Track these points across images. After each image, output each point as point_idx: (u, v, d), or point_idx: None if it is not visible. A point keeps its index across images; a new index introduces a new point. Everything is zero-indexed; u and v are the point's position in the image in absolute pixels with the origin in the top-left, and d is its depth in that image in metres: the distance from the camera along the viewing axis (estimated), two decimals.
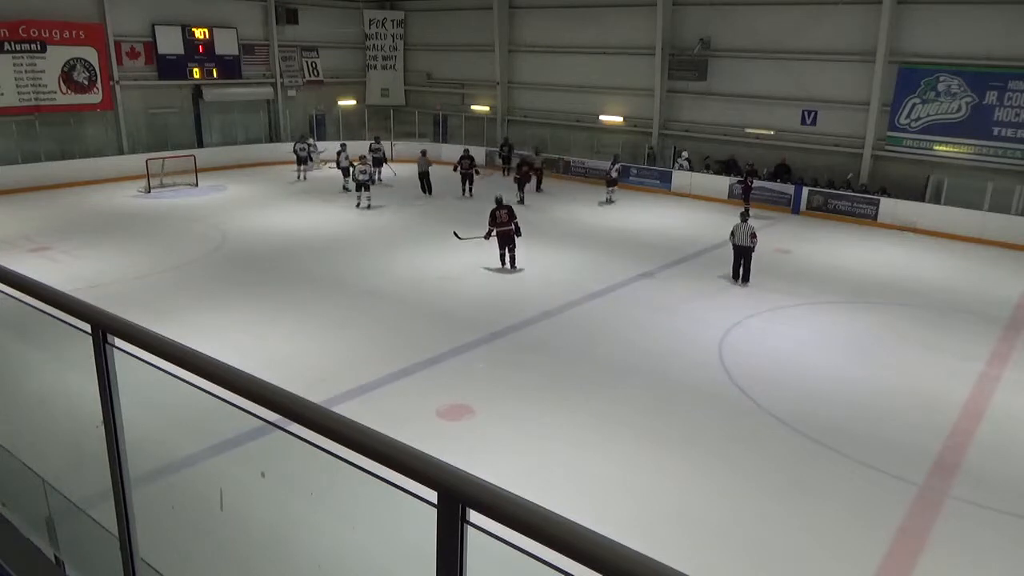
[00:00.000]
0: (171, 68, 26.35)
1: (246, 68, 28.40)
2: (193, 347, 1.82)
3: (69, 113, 24.00)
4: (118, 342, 2.07)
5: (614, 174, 22.74)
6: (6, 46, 22.34)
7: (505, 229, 15.19)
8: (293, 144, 25.59)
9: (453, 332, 11.87)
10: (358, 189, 20.84)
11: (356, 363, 10.68)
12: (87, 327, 2.09)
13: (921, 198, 20.42)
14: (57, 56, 23.39)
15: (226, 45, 27.61)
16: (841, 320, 13.10)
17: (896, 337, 12.33)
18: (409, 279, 14.71)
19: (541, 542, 1.20)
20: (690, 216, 21.18)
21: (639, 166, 25.41)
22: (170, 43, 26.21)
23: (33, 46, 22.89)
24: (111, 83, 24.79)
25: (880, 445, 8.75)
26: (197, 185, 23.43)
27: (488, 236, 15.29)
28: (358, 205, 20.74)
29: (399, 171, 25.12)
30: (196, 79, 26.95)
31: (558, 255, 16.74)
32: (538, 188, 23.86)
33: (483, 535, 1.34)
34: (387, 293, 13.86)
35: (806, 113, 22.79)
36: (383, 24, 31.93)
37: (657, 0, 24.28)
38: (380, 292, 13.91)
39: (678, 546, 6.74)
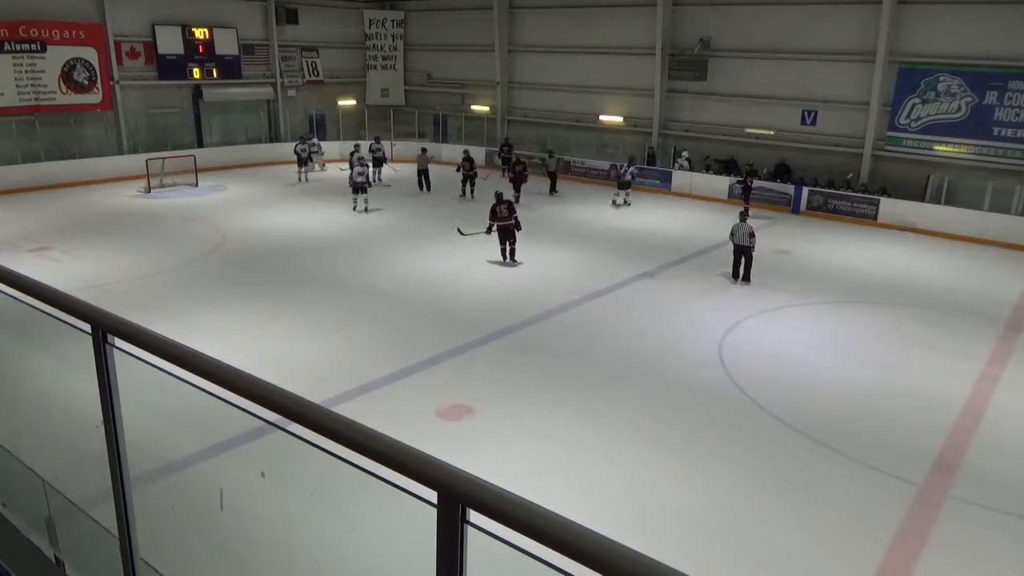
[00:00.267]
0: (171, 68, 26.36)
1: (246, 68, 28.40)
2: (193, 347, 1.82)
3: (69, 113, 24.00)
4: (118, 342, 2.07)
5: (628, 177, 22.13)
6: (6, 46, 22.34)
7: (505, 224, 15.58)
8: (294, 145, 25.45)
9: (453, 332, 11.87)
10: (355, 192, 20.34)
11: (356, 363, 10.68)
12: (87, 327, 2.09)
13: (921, 198, 20.42)
14: (57, 56, 23.39)
15: (226, 45, 27.62)
16: (841, 320, 13.11)
17: (896, 337, 12.34)
18: (409, 279, 14.71)
19: (541, 542, 1.20)
20: (690, 216, 21.18)
21: (639, 166, 25.37)
22: (170, 43, 26.22)
23: (33, 46, 22.89)
24: (111, 83, 24.80)
25: (880, 445, 8.75)
26: (197, 185, 23.43)
27: (489, 231, 15.73)
28: (355, 209, 20.36)
29: (400, 169, 25.13)
30: (196, 79, 26.96)
31: (558, 255, 16.74)
32: (552, 191, 23.59)
33: (483, 535, 1.34)
34: (387, 293, 13.86)
35: (806, 113, 22.79)
36: (383, 24, 31.93)
37: (657, 0, 24.28)
38: (380, 292, 13.91)
39: (678, 546, 6.74)
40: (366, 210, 20.33)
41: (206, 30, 26.95)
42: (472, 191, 22.47)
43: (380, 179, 23.79)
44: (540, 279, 14.91)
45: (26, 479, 3.08)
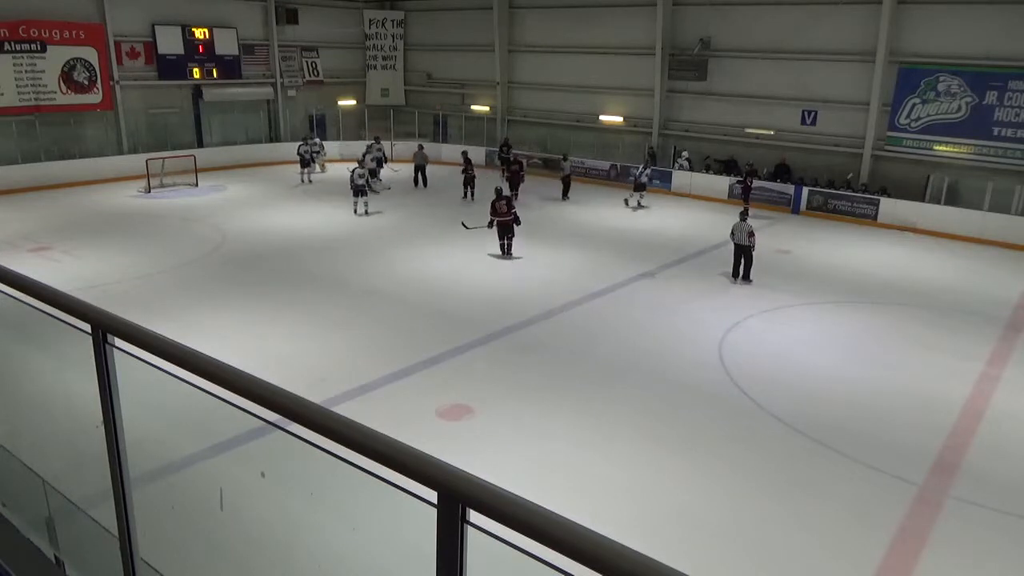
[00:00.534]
0: (171, 68, 26.35)
1: (246, 68, 28.40)
2: (193, 347, 1.82)
3: (69, 113, 24.00)
4: (118, 342, 2.07)
5: (644, 179, 21.86)
6: (6, 46, 22.34)
7: (504, 219, 16.22)
8: (297, 146, 25.28)
9: (453, 332, 11.87)
10: (356, 195, 19.96)
11: (356, 363, 10.68)
12: (87, 327, 2.09)
13: (921, 198, 20.42)
14: (57, 56, 23.39)
15: (226, 45, 27.62)
16: (841, 320, 13.11)
17: (896, 337, 12.34)
18: (409, 279, 14.71)
19: (541, 542, 1.20)
20: (690, 216, 21.17)
21: (639, 166, 25.35)
22: (170, 43, 26.21)
23: (33, 46, 22.89)
24: (111, 83, 24.79)
25: (880, 445, 8.75)
26: (197, 185, 23.42)
27: (491, 225, 16.41)
28: (356, 212, 20.06)
29: (399, 169, 25.14)
30: (196, 79, 26.95)
31: (558, 255, 16.74)
32: (565, 195, 22.92)
33: (483, 535, 1.34)
34: (387, 293, 13.86)
35: (806, 113, 22.79)
36: (383, 24, 31.93)
37: (657, 0, 24.28)
38: (380, 292, 13.91)
39: (678, 546, 6.74)
40: (366, 213, 20.09)
41: (206, 30, 26.95)
42: (472, 193, 22.28)
43: (379, 179, 23.52)
44: (540, 279, 14.91)
45: (26, 479, 3.08)
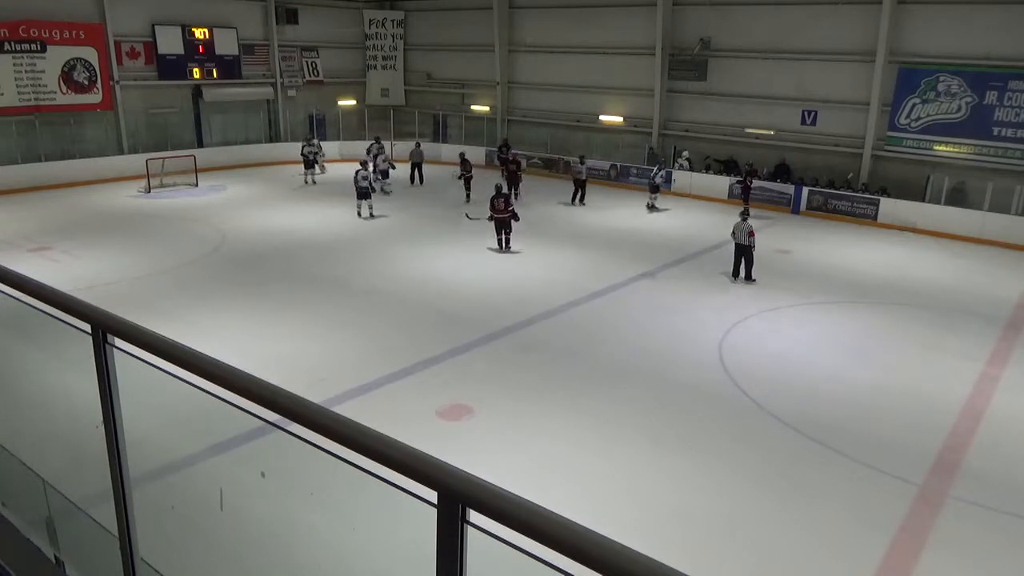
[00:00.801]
0: (171, 68, 26.35)
1: (246, 68, 28.40)
2: (193, 347, 1.82)
3: (69, 113, 24.00)
4: (118, 342, 2.07)
5: (658, 180, 21.65)
6: (6, 46, 22.35)
7: (502, 216, 16.62)
8: (301, 147, 25.08)
9: (453, 332, 11.87)
10: (360, 197, 19.58)
11: (356, 363, 10.69)
12: (87, 327, 2.09)
13: (921, 198, 20.42)
14: (57, 56, 23.39)
15: (226, 45, 27.62)
16: (841, 320, 13.10)
17: (896, 337, 12.34)
18: (409, 279, 14.72)
19: (541, 542, 1.20)
20: (690, 216, 21.17)
21: (639, 166, 25.40)
22: (170, 43, 26.21)
23: (33, 46, 22.90)
24: (111, 83, 24.79)
25: (880, 445, 8.75)
26: (197, 185, 23.42)
27: (490, 219, 16.83)
28: (359, 215, 19.74)
29: (399, 168, 25.18)
30: (196, 79, 26.95)
31: (559, 255, 16.75)
32: (581, 200, 22.16)
33: (483, 535, 1.34)
34: (387, 293, 13.86)
35: (806, 113, 22.79)
36: (383, 24, 31.93)
37: (657, 0, 24.28)
38: (380, 292, 13.91)
39: (678, 546, 6.74)
40: (371, 216, 19.70)
41: (206, 30, 26.95)
42: (469, 195, 21.86)
43: (381, 178, 23.31)
44: (541, 279, 14.91)
45: (26, 479, 3.08)
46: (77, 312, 2.11)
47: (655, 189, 21.67)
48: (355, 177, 19.62)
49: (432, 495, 1.35)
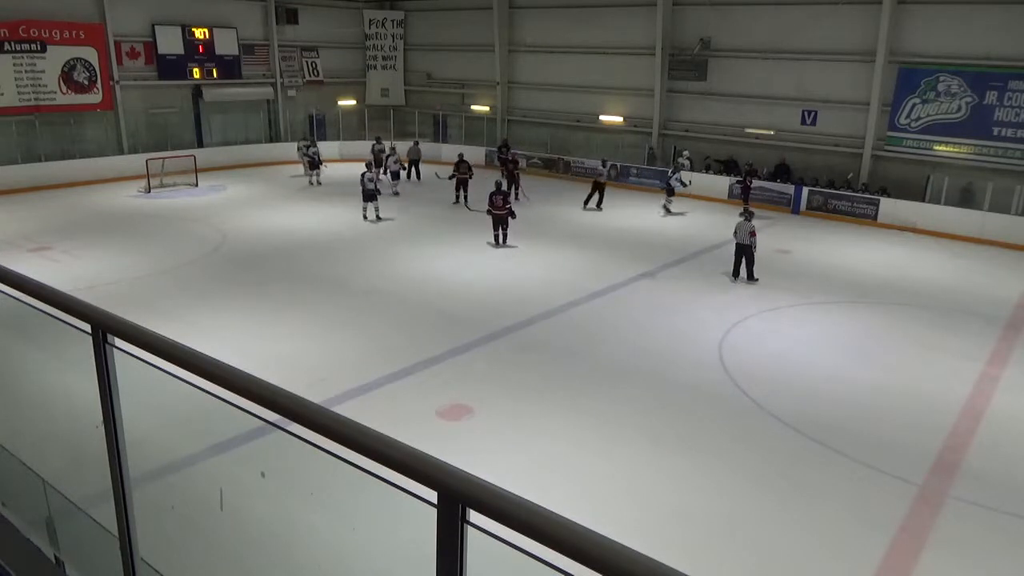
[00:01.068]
0: (171, 68, 26.35)
1: (246, 68, 28.40)
2: (193, 347, 1.82)
3: (69, 113, 24.00)
4: (118, 342, 2.07)
5: (674, 183, 21.22)
6: (6, 46, 22.34)
7: (499, 212, 17.09)
8: (306, 148, 24.71)
9: (453, 332, 11.87)
10: (366, 200, 19.19)
11: (356, 363, 10.69)
12: (87, 327, 2.09)
13: (921, 198, 20.42)
14: (57, 56, 23.39)
15: (226, 45, 27.62)
16: (841, 320, 13.10)
17: (896, 337, 12.33)
18: (409, 279, 14.72)
19: (541, 542, 1.20)
20: (690, 216, 21.15)
21: (639, 166, 25.41)
22: (170, 43, 26.21)
23: (33, 46, 22.89)
24: (111, 83, 24.79)
25: (880, 445, 8.75)
26: (197, 185, 23.42)
27: (488, 213, 17.35)
28: (365, 218, 19.35)
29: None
30: (196, 79, 26.95)
31: (559, 255, 16.75)
32: (599, 204, 21.47)
33: (483, 535, 1.34)
34: (387, 293, 13.86)
35: (806, 113, 22.79)
36: (383, 24, 31.93)
37: (657, 0, 24.28)
38: (380, 292, 13.91)
39: (678, 546, 6.74)
40: (378, 218, 19.32)
41: (206, 30, 26.95)
42: (465, 196, 21.30)
43: (391, 180, 22.90)
44: (541, 279, 14.91)
45: (26, 479, 3.08)
46: (77, 312, 2.11)
47: (671, 193, 21.23)
48: (361, 179, 19.25)
49: (432, 495, 1.35)
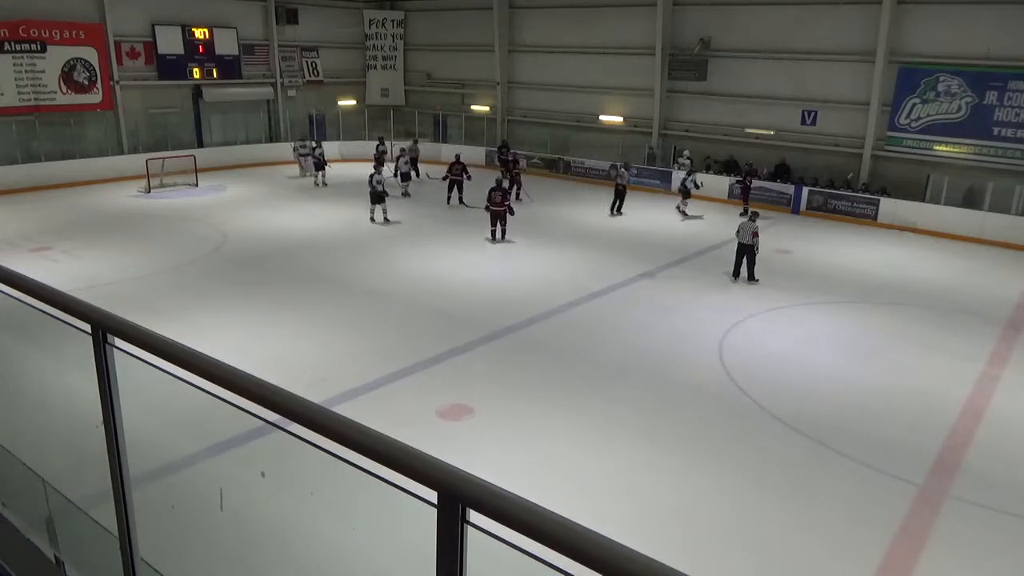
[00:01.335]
0: (171, 68, 26.35)
1: (246, 68, 28.40)
2: (193, 347, 1.82)
3: (69, 113, 23.99)
4: (118, 342, 2.07)
5: (689, 185, 20.84)
6: (6, 46, 22.34)
7: (497, 209, 17.43)
8: (312, 149, 24.56)
9: (453, 332, 11.87)
10: (374, 202, 18.84)
11: (356, 363, 10.68)
12: (87, 327, 2.09)
13: (921, 198, 20.42)
14: (57, 56, 23.39)
15: (226, 45, 27.62)
16: (841, 320, 13.10)
17: (896, 337, 12.33)
18: (409, 279, 14.72)
19: (541, 542, 1.20)
20: (692, 216, 21.13)
21: (639, 166, 25.41)
22: (170, 43, 26.21)
23: (33, 46, 22.89)
24: (111, 83, 24.79)
25: (880, 445, 8.75)
26: (197, 185, 23.43)
27: (487, 209, 17.71)
28: (373, 220, 19.07)
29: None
30: (196, 79, 26.95)
31: (559, 255, 16.75)
32: (619, 209, 20.97)
33: (483, 535, 1.34)
34: (387, 293, 13.86)
35: (806, 113, 22.79)
36: (383, 24, 31.93)
37: (657, 0, 24.28)
38: (380, 292, 13.91)
39: (678, 546, 6.74)
40: (386, 220, 19.04)
41: (206, 30, 26.95)
42: (460, 197, 21.23)
43: (401, 181, 22.69)
44: (540, 279, 14.92)
45: (26, 479, 3.08)
46: (77, 312, 2.11)
47: (686, 195, 20.90)
48: (370, 180, 18.91)
49: (432, 495, 1.35)
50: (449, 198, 21.41)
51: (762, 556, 6.80)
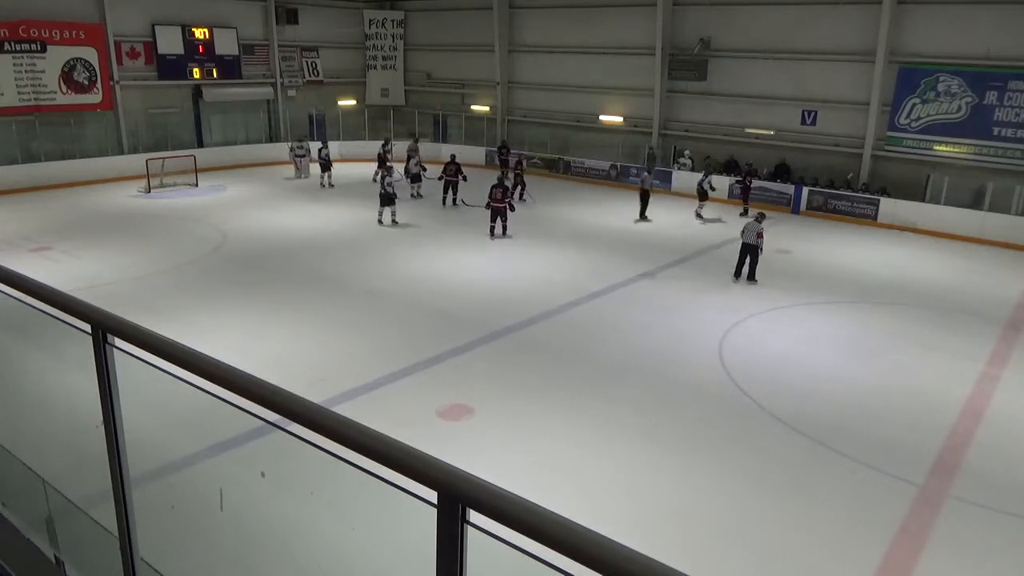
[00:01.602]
0: (171, 68, 26.35)
1: (246, 68, 28.40)
2: (193, 347, 1.82)
3: (69, 113, 23.99)
4: (118, 342, 2.07)
5: (705, 187, 20.54)
6: (6, 46, 22.34)
7: (498, 205, 17.76)
8: (319, 150, 24.37)
9: (453, 332, 11.87)
10: (383, 204, 18.62)
11: (356, 363, 10.68)
12: (87, 327, 2.09)
13: (921, 198, 20.42)
14: (57, 56, 23.39)
15: (226, 45, 27.62)
16: (841, 320, 13.10)
17: (896, 337, 12.33)
18: (409, 279, 14.72)
19: (541, 542, 1.20)
20: (690, 216, 21.14)
21: (639, 166, 25.40)
22: (170, 43, 26.21)
23: (33, 46, 22.88)
24: (111, 83, 24.79)
25: (880, 445, 8.75)
26: (197, 185, 23.42)
27: (487, 206, 17.95)
28: (380, 221, 18.89)
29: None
30: (196, 79, 26.95)
31: (559, 255, 16.75)
32: (642, 214, 20.57)
33: (483, 535, 1.34)
34: (387, 293, 13.86)
35: (806, 113, 22.79)
36: (383, 24, 31.94)
37: (657, 0, 24.28)
38: (380, 292, 13.91)
39: (678, 546, 6.74)
40: (394, 222, 18.86)
41: (206, 30, 26.94)
42: (455, 199, 21.19)
43: (411, 183, 22.54)
44: (541, 279, 14.92)
45: (26, 479, 3.08)
46: (77, 312, 2.11)
47: (703, 197, 20.60)
48: (381, 182, 18.76)
49: (432, 495, 1.35)
50: (444, 199, 21.42)
51: (762, 556, 6.80)
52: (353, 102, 31.44)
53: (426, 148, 26.99)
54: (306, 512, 2.25)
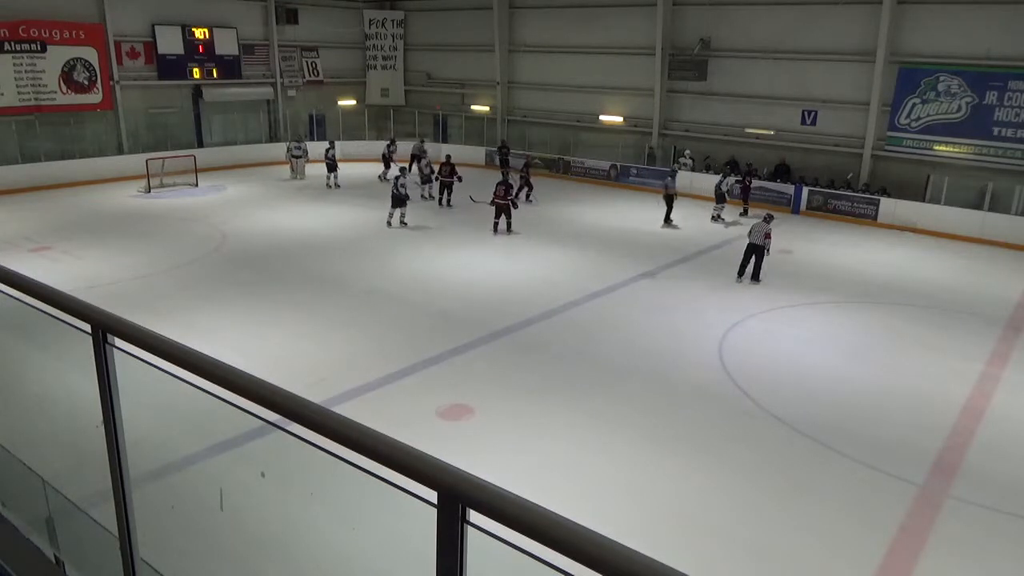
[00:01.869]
0: (171, 68, 26.35)
1: (246, 68, 28.40)
2: (193, 347, 1.82)
3: (69, 113, 23.99)
4: (118, 342, 2.07)
5: (724, 188, 20.20)
6: (6, 46, 22.34)
7: (501, 202, 18.07)
8: (325, 151, 24.28)
9: (453, 332, 11.87)
10: (394, 205, 18.45)
11: (356, 363, 10.68)
12: (87, 327, 2.09)
13: (921, 198, 20.42)
14: (57, 56, 23.39)
15: (226, 45, 27.62)
16: (841, 320, 13.10)
17: (896, 337, 12.33)
18: (409, 278, 14.71)
19: (541, 542, 1.20)
20: (690, 216, 21.13)
21: (639, 166, 25.42)
22: (170, 43, 26.22)
23: (33, 46, 22.89)
24: (111, 83, 24.79)
25: (880, 445, 8.75)
26: (197, 185, 23.42)
27: (491, 203, 18.27)
28: (389, 223, 18.75)
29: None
30: (196, 79, 26.95)
31: (559, 255, 16.75)
32: (667, 218, 20.04)
33: (483, 535, 1.34)
34: (387, 293, 13.86)
35: (806, 113, 22.79)
36: (383, 24, 31.94)
37: (657, 0, 24.28)
38: (380, 292, 13.91)
39: (678, 546, 6.74)
40: (403, 223, 18.69)
41: (206, 30, 26.94)
42: (449, 199, 21.18)
43: (421, 184, 22.50)
44: (541, 279, 14.91)
45: (26, 479, 3.08)
46: (77, 312, 2.11)
47: (721, 199, 20.26)
48: (394, 183, 18.55)
49: (432, 495, 1.35)
50: (440, 199, 21.41)
51: (762, 556, 6.80)
52: (353, 102, 31.44)
53: (429, 149, 26.96)
54: (306, 512, 2.25)
